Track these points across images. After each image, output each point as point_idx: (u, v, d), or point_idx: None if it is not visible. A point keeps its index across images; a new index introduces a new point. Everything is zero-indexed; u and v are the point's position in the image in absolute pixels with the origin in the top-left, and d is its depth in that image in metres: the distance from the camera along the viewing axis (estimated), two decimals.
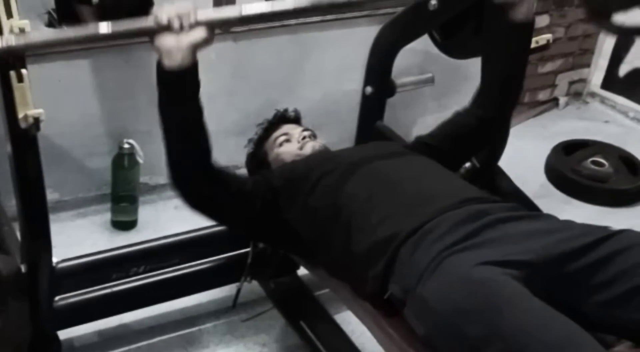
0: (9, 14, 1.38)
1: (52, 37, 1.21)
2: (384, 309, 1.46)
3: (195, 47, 1.30)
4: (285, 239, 1.65)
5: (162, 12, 1.27)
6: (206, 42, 1.30)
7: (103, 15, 2.53)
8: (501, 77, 1.68)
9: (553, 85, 3.41)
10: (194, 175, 1.47)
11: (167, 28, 1.27)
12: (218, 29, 1.33)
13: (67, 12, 2.71)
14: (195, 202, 1.51)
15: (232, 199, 1.54)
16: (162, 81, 1.34)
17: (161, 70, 1.32)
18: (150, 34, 1.27)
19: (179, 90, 1.35)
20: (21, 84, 1.42)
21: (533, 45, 2.02)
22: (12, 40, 1.17)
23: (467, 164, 2.16)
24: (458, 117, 1.75)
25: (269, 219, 1.59)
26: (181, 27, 1.27)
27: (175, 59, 1.29)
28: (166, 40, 1.28)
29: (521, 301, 1.22)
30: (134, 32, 1.30)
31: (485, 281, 1.24)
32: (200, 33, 1.29)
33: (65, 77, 2.29)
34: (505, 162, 2.25)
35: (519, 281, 1.25)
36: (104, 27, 1.24)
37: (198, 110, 1.40)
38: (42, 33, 1.20)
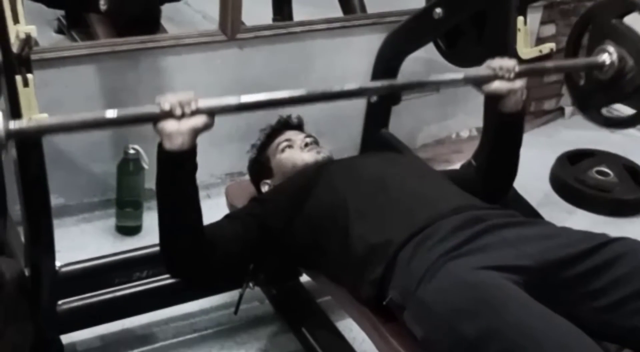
0: (16, 20, 1.39)
1: (63, 121, 1.30)
2: (382, 314, 1.46)
3: (196, 132, 1.35)
4: (285, 251, 1.67)
5: (165, 100, 1.32)
6: (206, 127, 1.36)
7: (110, 22, 2.56)
8: (494, 162, 1.71)
9: (559, 95, 3.40)
10: (188, 253, 1.50)
11: (170, 114, 1.32)
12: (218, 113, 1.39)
13: (76, 19, 2.74)
14: (197, 278, 1.58)
15: (229, 261, 1.58)
16: (162, 161, 1.39)
17: (162, 151, 1.37)
18: (154, 119, 1.34)
19: (177, 171, 1.40)
20: (27, 89, 1.43)
21: (536, 54, 2.03)
22: (24, 123, 1.28)
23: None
24: (464, 176, 1.77)
25: (268, 246, 1.63)
26: (183, 114, 1.32)
27: (175, 143, 1.34)
28: (168, 125, 1.33)
29: (519, 303, 1.23)
30: (140, 117, 1.37)
31: (484, 284, 1.26)
32: (200, 119, 1.34)
33: (71, 82, 2.30)
34: None
35: (517, 285, 1.27)
36: (111, 113, 1.31)
37: (194, 191, 1.45)
38: (53, 118, 1.32)
